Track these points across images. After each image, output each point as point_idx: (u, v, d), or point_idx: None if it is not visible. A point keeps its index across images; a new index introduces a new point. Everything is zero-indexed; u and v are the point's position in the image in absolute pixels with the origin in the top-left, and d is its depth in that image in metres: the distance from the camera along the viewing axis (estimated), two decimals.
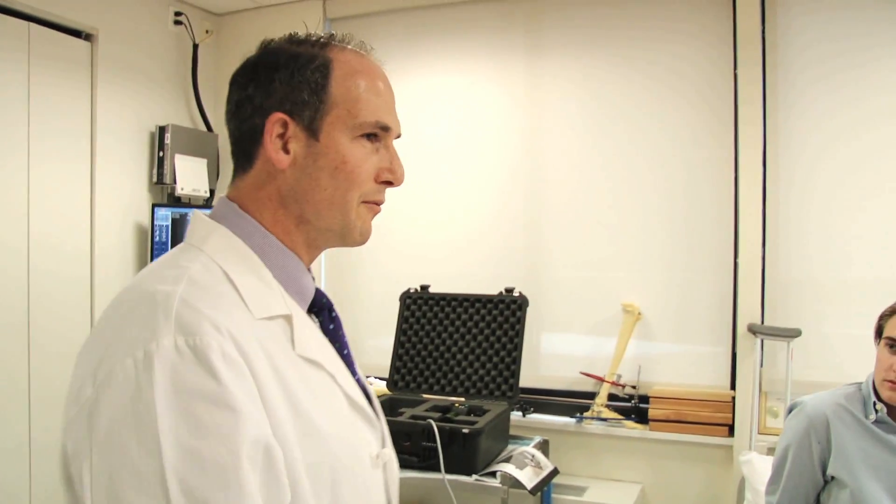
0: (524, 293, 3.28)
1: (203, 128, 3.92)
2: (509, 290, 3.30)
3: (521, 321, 3.22)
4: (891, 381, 1.96)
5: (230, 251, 0.95)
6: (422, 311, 3.38)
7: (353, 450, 0.97)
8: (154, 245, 3.57)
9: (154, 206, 3.61)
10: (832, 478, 2.02)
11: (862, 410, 2.03)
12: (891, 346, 1.98)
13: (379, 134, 1.01)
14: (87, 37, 3.43)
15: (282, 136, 0.96)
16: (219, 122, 3.98)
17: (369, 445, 1.01)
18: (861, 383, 2.09)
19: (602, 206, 3.45)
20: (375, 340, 3.77)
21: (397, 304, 3.42)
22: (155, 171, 3.65)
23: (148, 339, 0.81)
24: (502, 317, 3.25)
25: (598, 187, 3.46)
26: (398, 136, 1.05)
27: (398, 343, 3.36)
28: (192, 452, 0.77)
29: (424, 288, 3.44)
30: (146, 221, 3.62)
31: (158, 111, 3.71)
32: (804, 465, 2.07)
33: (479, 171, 3.68)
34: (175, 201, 3.71)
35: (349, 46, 1.02)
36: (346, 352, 1.07)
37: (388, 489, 1.04)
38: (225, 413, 0.79)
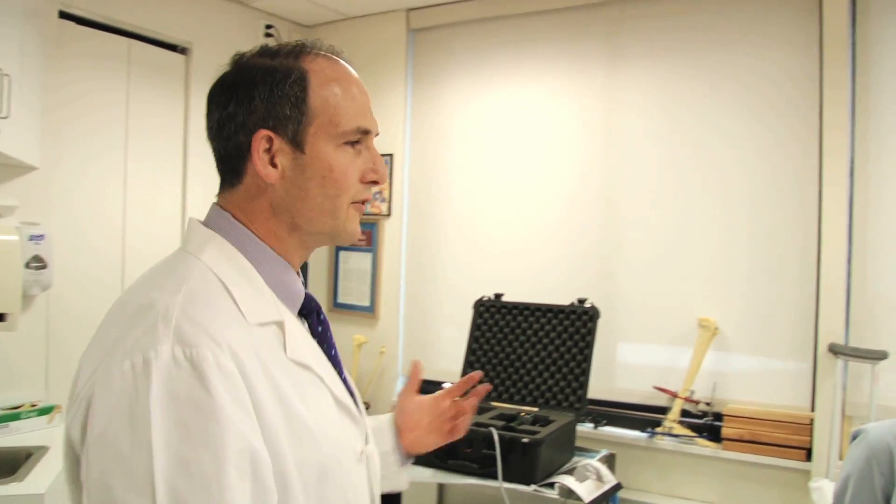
0: (599, 303, 3.25)
1: None
2: (581, 301, 3.27)
3: (591, 332, 3.20)
4: None
5: (225, 260, 1.00)
6: (494, 320, 3.40)
7: (339, 447, 1.02)
8: None
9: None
10: None
11: None
12: None
13: (360, 138, 1.05)
14: (183, 50, 3.63)
15: (268, 150, 1.01)
16: None
17: (355, 442, 1.07)
18: None
19: (680, 217, 3.37)
20: (449, 347, 3.81)
21: (471, 312, 3.45)
22: None
23: (147, 346, 0.86)
24: (573, 327, 3.23)
25: (676, 198, 3.38)
26: (377, 135, 1.09)
27: (470, 350, 3.39)
28: (180, 458, 0.82)
29: (498, 296, 3.46)
30: None
31: None
32: (865, 497, 1.97)
33: (555, 180, 3.66)
34: None
35: (321, 53, 1.05)
36: (333, 352, 1.12)
37: (370, 483, 1.10)
38: (213, 424, 0.84)
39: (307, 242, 1.07)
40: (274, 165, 1.01)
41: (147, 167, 3.48)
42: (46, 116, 3.03)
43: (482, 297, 3.47)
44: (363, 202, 1.08)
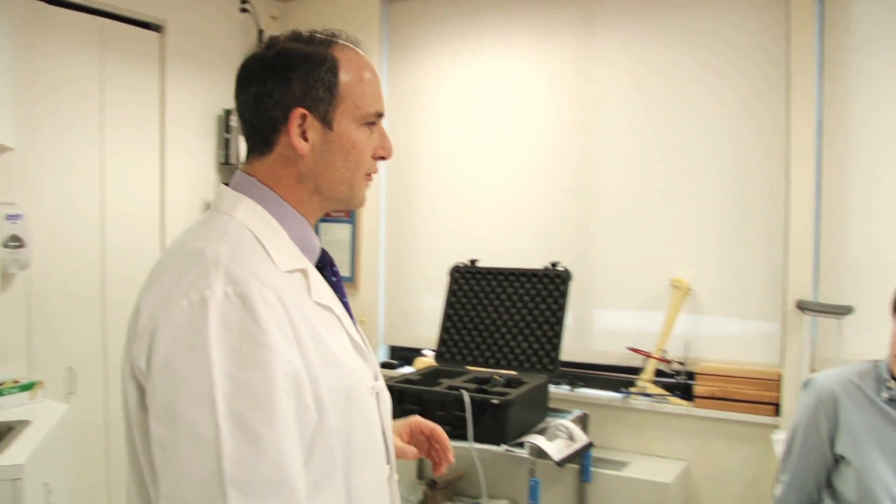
0: (573, 267, 3.30)
1: None
2: (554, 265, 3.31)
3: (564, 295, 3.24)
4: None
5: (255, 217, 1.14)
6: (469, 286, 3.44)
7: (357, 377, 1.16)
8: None
9: (222, 184, 3.81)
10: (841, 456, 1.97)
11: (874, 388, 1.96)
12: None
13: (375, 120, 1.20)
14: (157, 28, 3.64)
15: (300, 125, 1.14)
16: None
17: (367, 377, 1.20)
18: (878, 361, 2.01)
19: (652, 181, 3.40)
20: (429, 314, 3.86)
21: (446, 278, 3.50)
22: (222, 152, 3.84)
23: (202, 286, 0.99)
24: (546, 290, 3.27)
25: (648, 161, 3.41)
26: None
27: (446, 317, 3.44)
28: (236, 380, 0.95)
29: (473, 262, 3.50)
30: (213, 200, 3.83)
31: (224, 95, 3.89)
32: (812, 443, 2.01)
33: (529, 146, 3.68)
34: None
35: (347, 44, 1.20)
36: (345, 300, 1.24)
37: (381, 414, 1.23)
38: (263, 350, 0.97)
39: (324, 205, 1.22)
40: (305, 139, 1.14)
41: (123, 146, 3.50)
42: (20, 97, 3.05)
43: (458, 264, 3.51)
44: (374, 173, 1.24)
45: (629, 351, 3.37)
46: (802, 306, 2.99)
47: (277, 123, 1.14)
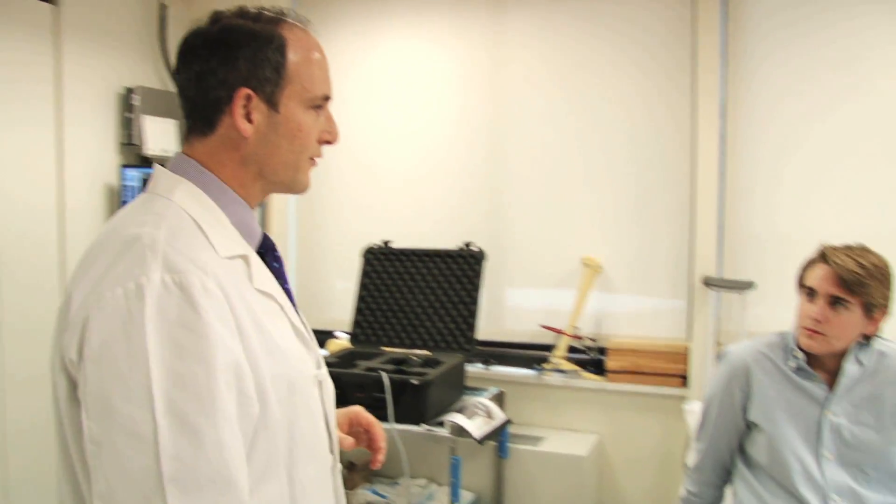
0: (486, 246, 3.32)
1: (171, 88, 3.92)
2: (468, 245, 3.33)
3: (478, 274, 3.27)
4: (808, 329, 1.97)
5: (194, 201, 1.09)
6: (383, 266, 3.42)
7: (300, 368, 1.14)
8: (123, 205, 3.61)
9: (123, 166, 3.64)
10: (753, 423, 2.06)
11: (783, 358, 2.05)
12: (809, 295, 2.00)
13: (322, 103, 1.18)
14: (51, 0, 3.43)
15: (245, 107, 1.10)
16: None
17: (309, 365, 1.18)
18: (785, 332, 2.11)
19: (564, 162, 3.45)
20: (342, 296, 3.82)
21: (359, 260, 3.46)
22: (124, 132, 3.68)
23: (138, 273, 0.95)
24: (461, 270, 3.29)
25: (560, 143, 3.46)
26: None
27: (360, 298, 3.41)
28: (175, 372, 0.92)
29: (387, 243, 3.48)
30: (115, 182, 3.65)
31: (126, 72, 3.71)
32: (726, 412, 2.10)
33: (441, 127, 3.68)
34: (144, 162, 3.74)
35: (297, 23, 1.16)
36: (286, 287, 1.22)
37: (324, 404, 1.21)
38: (203, 341, 0.94)
39: (266, 190, 1.19)
40: (250, 121, 1.10)
41: (13, 131, 3.27)
42: None
43: (371, 245, 3.49)
44: (317, 157, 1.21)
45: (542, 328, 3.43)
46: (708, 282, 3.10)
47: (221, 103, 1.10)
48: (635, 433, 3.26)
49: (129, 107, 3.68)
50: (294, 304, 1.20)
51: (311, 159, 1.20)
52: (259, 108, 1.10)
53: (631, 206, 3.35)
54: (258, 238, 1.19)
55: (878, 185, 2.98)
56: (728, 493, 2.21)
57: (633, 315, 3.36)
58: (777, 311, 3.05)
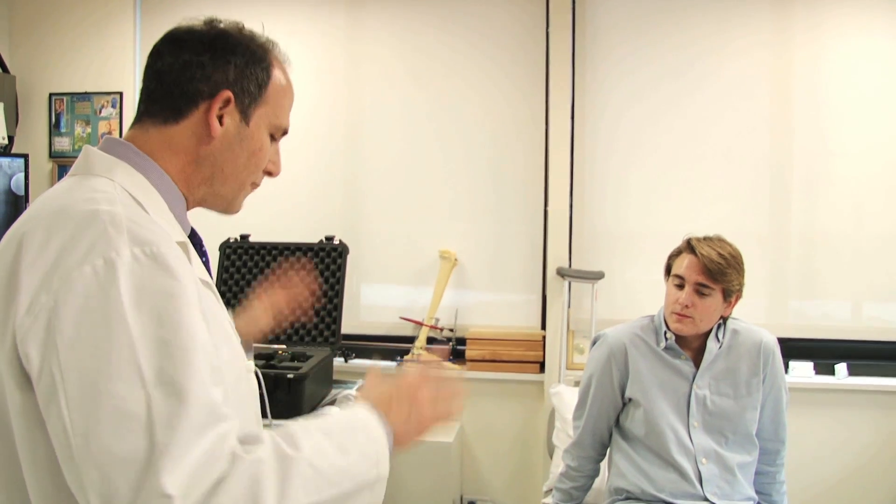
0: (345, 241, 3.33)
1: None
2: (329, 238, 3.34)
3: (341, 268, 3.28)
4: (677, 314, 2.18)
5: (135, 184, 1.06)
6: (242, 261, 3.35)
7: (241, 355, 1.15)
8: None
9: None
10: (630, 399, 2.24)
11: (654, 339, 2.25)
12: (677, 284, 2.20)
13: (279, 136, 1.23)
14: None
15: (221, 109, 1.11)
16: (16, 64, 3.70)
17: (243, 357, 1.18)
18: (653, 316, 2.31)
19: (421, 157, 3.54)
20: None
21: (216, 254, 3.37)
22: None
23: (106, 249, 0.91)
24: (323, 264, 3.29)
25: (417, 138, 3.55)
26: None
27: (218, 293, 3.31)
28: (160, 341, 0.89)
29: (244, 237, 3.41)
30: None
31: None
32: (606, 390, 2.27)
33: (298, 120, 3.62)
34: None
35: (281, 57, 1.24)
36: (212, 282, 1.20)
37: (258, 395, 1.23)
38: (185, 307, 0.92)
39: (205, 200, 1.19)
40: (221, 123, 1.11)
41: None
42: None
43: (228, 239, 3.40)
44: (257, 185, 1.23)
45: (401, 320, 3.50)
46: (562, 273, 3.31)
47: (199, 97, 1.10)
48: (496, 418, 3.40)
49: None
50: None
51: (253, 184, 1.21)
52: (233, 116, 1.12)
53: (487, 202, 3.49)
54: (188, 232, 1.17)
55: (711, 183, 3.32)
56: (602, 466, 2.39)
57: (490, 306, 3.50)
58: (623, 298, 3.32)
